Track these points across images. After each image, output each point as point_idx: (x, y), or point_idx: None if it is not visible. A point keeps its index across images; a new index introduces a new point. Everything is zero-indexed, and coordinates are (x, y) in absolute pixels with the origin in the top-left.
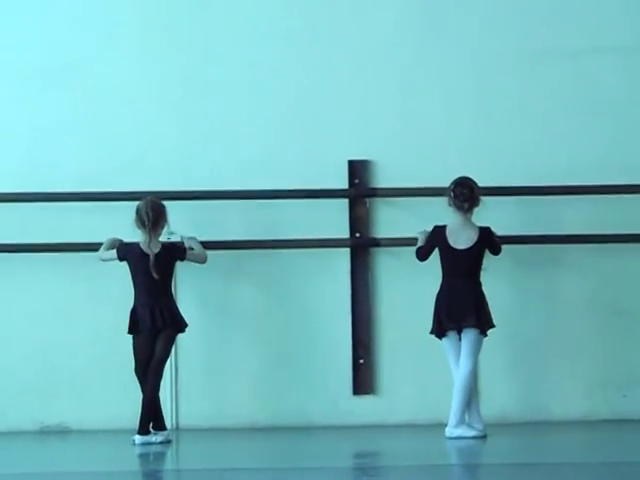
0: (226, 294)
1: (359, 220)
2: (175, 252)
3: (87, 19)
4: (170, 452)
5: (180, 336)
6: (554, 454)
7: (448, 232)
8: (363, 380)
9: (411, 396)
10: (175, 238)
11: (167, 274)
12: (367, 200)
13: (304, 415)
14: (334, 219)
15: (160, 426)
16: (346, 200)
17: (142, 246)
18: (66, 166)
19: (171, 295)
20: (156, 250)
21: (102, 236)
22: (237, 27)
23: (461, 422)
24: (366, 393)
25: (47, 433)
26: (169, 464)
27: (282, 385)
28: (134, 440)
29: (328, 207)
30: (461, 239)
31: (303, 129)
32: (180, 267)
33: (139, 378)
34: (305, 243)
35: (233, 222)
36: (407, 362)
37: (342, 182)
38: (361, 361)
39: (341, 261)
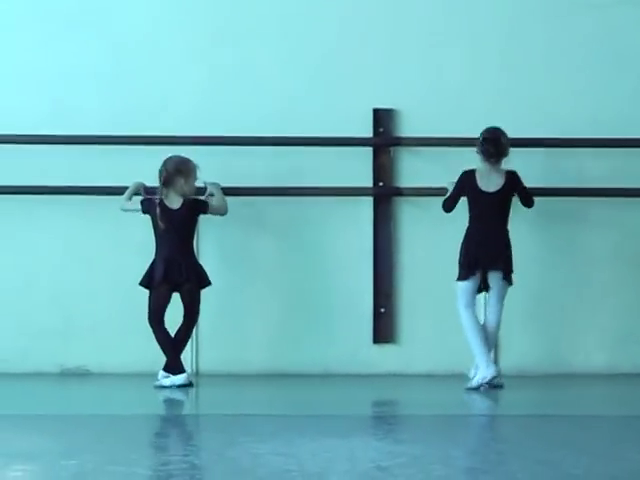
0: (247, 241)
1: (382, 169)
2: (197, 207)
3: None
4: (189, 397)
5: None
6: (573, 406)
7: (478, 176)
8: (384, 329)
9: (431, 345)
10: (198, 183)
11: (189, 229)
12: (391, 149)
13: (323, 363)
14: (358, 168)
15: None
16: (370, 149)
17: (165, 201)
18: (91, 109)
19: (192, 251)
20: (176, 206)
21: (126, 180)
22: None
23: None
24: (386, 342)
25: (67, 376)
26: (187, 409)
27: (302, 333)
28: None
29: (352, 155)
30: (491, 183)
31: (328, 77)
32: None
33: (152, 327)
34: (328, 191)
35: (256, 169)
36: (428, 311)
37: (366, 131)
38: (382, 310)
39: (364, 210)
